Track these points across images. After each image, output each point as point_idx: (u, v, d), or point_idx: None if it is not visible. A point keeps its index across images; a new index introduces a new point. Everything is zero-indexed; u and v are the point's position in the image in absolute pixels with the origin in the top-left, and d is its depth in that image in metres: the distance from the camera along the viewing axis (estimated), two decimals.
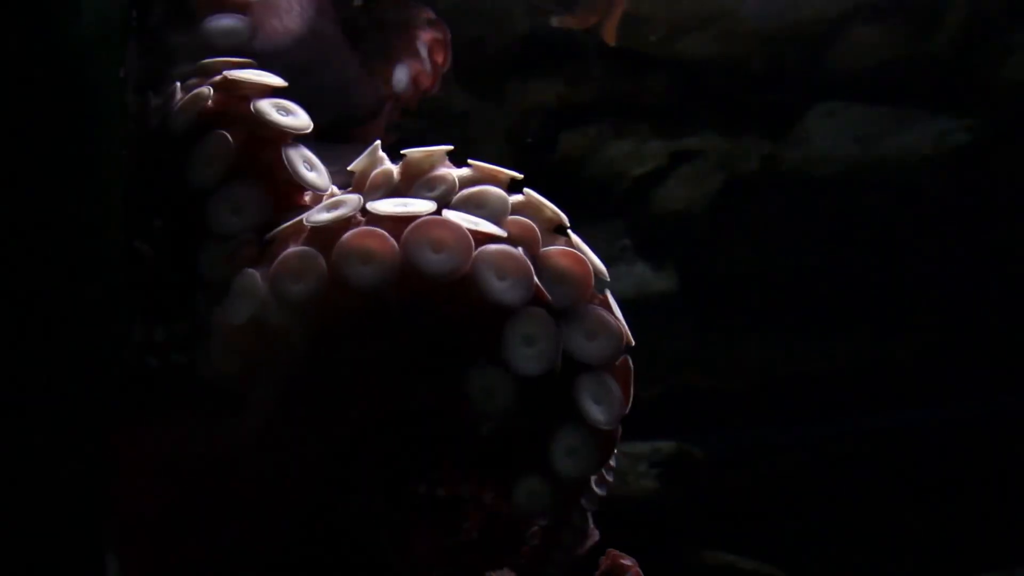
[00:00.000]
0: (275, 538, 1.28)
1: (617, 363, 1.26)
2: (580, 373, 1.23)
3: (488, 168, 1.33)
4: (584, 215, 3.49)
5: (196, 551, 1.29)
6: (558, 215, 1.31)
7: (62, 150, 1.27)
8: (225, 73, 1.36)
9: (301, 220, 1.24)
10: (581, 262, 1.26)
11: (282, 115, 1.33)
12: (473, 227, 1.21)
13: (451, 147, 1.34)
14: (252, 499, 1.27)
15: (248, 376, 1.26)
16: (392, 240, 1.19)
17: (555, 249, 1.26)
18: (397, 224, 1.20)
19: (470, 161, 1.33)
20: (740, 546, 3.18)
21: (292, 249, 1.22)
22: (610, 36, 2.89)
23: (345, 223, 1.22)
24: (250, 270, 1.23)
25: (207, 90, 1.35)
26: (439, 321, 1.22)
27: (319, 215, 1.23)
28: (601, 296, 1.28)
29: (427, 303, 1.21)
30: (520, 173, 1.34)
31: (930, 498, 3.19)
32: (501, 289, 1.20)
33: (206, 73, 1.39)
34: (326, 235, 1.21)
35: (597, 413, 1.22)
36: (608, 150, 3.26)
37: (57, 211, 1.27)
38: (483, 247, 1.21)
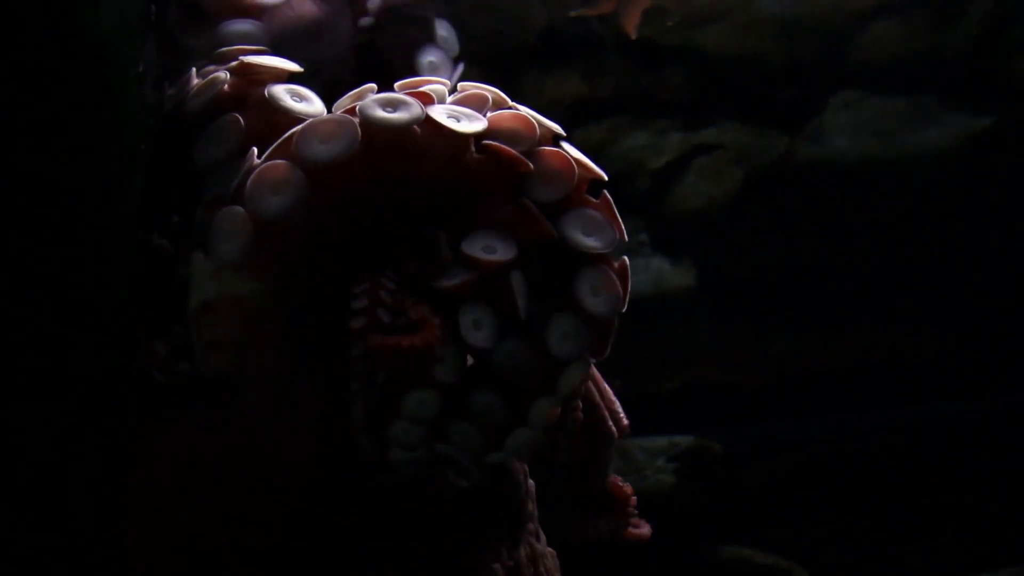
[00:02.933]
0: (281, 518, 1.29)
1: (599, 200, 1.29)
2: (562, 212, 1.25)
3: (416, 79, 1.35)
4: None
5: (207, 534, 1.29)
6: (499, 95, 1.33)
7: (79, 145, 1.27)
8: (241, 58, 1.37)
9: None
10: (527, 120, 1.28)
11: (296, 101, 1.33)
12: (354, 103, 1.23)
13: (375, 84, 1.36)
14: (259, 479, 1.28)
15: (239, 356, 1.26)
16: (284, 161, 1.21)
17: (502, 112, 1.28)
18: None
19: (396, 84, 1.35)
20: (757, 541, 3.18)
21: (218, 213, 1.23)
22: (631, 28, 2.88)
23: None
24: (196, 252, 1.25)
25: (223, 74, 1.36)
26: (384, 194, 1.23)
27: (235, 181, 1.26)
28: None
29: (358, 187, 1.23)
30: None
31: (948, 493, 3.18)
32: (393, 116, 1.22)
33: (224, 59, 1.40)
34: (242, 191, 1.23)
35: (591, 241, 1.24)
36: (626, 143, 3.25)
37: (73, 206, 1.27)
38: (362, 101, 1.23)
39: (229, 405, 1.29)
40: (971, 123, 3.16)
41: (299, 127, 1.24)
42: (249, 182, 1.22)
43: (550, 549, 1.49)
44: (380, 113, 1.24)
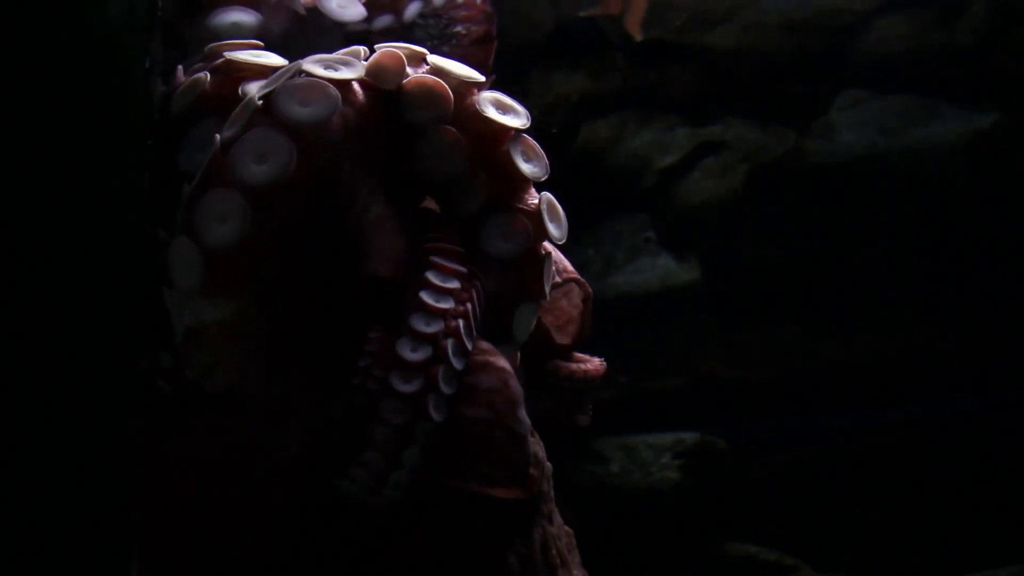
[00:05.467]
0: (287, 520, 1.29)
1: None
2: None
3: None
4: (608, 206, 3.50)
5: (214, 538, 1.30)
6: (414, 48, 1.34)
7: (86, 142, 1.27)
8: (225, 54, 1.36)
9: None
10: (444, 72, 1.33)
11: None
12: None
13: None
14: (263, 485, 1.28)
15: (240, 371, 1.26)
16: (223, 189, 1.21)
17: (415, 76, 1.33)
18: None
19: None
20: (763, 537, 3.18)
21: (171, 245, 1.23)
22: (635, 29, 2.88)
23: None
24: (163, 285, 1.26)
25: (204, 75, 1.35)
26: (326, 180, 1.24)
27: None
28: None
29: (304, 191, 1.23)
30: None
31: (954, 489, 3.18)
32: (313, 112, 1.24)
33: (211, 56, 1.39)
34: (189, 220, 1.24)
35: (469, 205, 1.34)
36: (632, 141, 3.25)
37: (80, 204, 1.27)
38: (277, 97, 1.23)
39: (233, 413, 1.29)
40: (976, 120, 3.16)
41: (231, 143, 1.23)
42: (195, 214, 1.22)
43: (567, 528, 1.49)
44: (300, 112, 1.24)
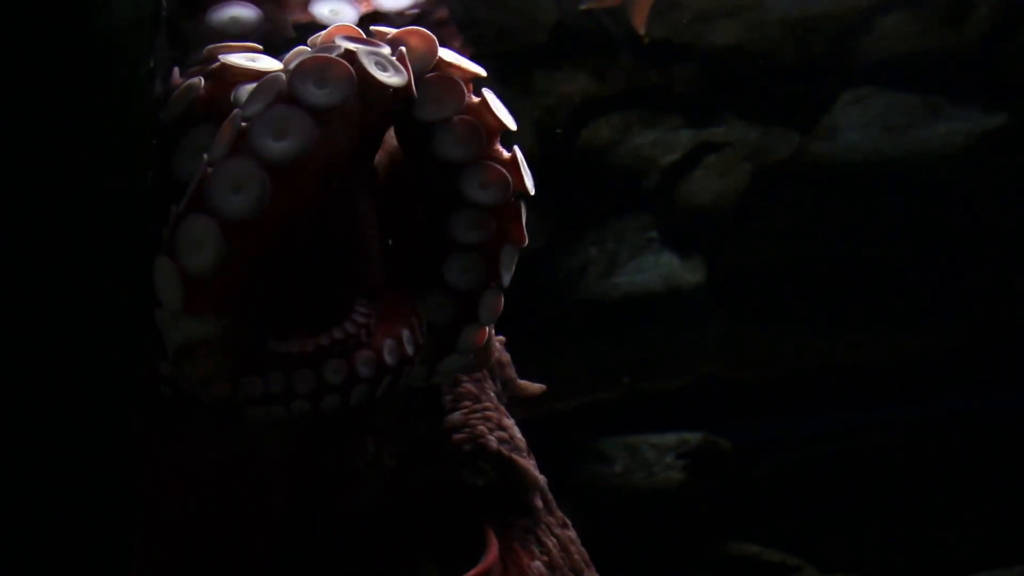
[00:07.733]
0: (287, 526, 1.30)
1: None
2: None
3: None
4: (612, 206, 3.50)
5: (212, 541, 1.30)
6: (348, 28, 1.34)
7: (89, 143, 1.27)
8: (220, 58, 1.35)
9: None
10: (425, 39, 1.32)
11: None
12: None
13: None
14: (261, 491, 1.28)
15: (231, 385, 1.26)
16: (202, 216, 1.20)
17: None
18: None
19: None
20: (766, 537, 3.18)
21: (155, 264, 1.23)
22: (640, 26, 2.88)
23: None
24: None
25: (198, 81, 1.34)
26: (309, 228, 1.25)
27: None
28: None
29: (280, 217, 1.23)
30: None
31: (957, 490, 3.18)
32: (287, 146, 1.22)
33: (207, 59, 1.39)
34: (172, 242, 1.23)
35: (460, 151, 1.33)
36: (636, 140, 3.25)
37: (82, 206, 1.26)
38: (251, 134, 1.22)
39: (232, 419, 1.29)
40: (982, 120, 3.16)
41: (208, 169, 1.22)
42: (176, 237, 1.21)
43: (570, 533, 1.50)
44: (274, 148, 1.21)
